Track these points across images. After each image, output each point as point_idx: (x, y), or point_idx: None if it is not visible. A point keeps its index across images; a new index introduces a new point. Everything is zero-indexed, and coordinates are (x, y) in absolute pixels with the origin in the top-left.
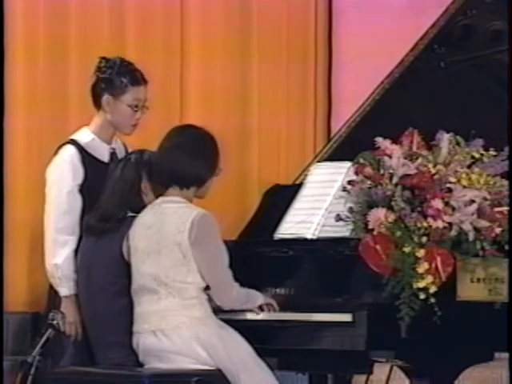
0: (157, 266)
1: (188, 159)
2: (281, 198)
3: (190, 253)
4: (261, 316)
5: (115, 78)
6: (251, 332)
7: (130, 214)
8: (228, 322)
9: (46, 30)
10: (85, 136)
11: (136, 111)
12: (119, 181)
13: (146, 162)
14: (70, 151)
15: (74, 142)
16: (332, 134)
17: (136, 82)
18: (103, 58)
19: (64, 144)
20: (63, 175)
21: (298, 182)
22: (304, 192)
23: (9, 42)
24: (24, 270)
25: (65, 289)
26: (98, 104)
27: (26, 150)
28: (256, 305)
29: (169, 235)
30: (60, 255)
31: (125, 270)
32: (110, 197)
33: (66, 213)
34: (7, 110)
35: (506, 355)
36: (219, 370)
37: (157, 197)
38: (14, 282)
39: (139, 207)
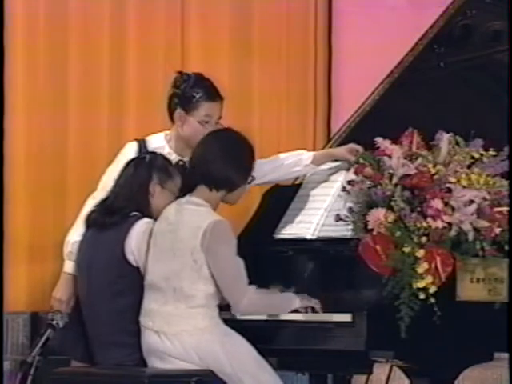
0: (168, 268)
1: (222, 160)
2: (281, 198)
3: (203, 259)
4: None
5: (189, 91)
6: (251, 332)
7: (134, 213)
8: (227, 321)
9: (46, 30)
10: (156, 140)
11: (206, 128)
12: (130, 178)
13: (159, 165)
14: (131, 148)
15: (140, 141)
16: (332, 134)
17: (210, 98)
18: (179, 72)
19: (135, 140)
20: (117, 164)
21: (297, 182)
22: (303, 192)
23: (9, 43)
24: (24, 271)
25: (68, 265)
26: (172, 118)
27: (26, 150)
28: (290, 310)
29: (183, 238)
30: (77, 234)
31: (126, 269)
32: (119, 191)
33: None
34: (7, 109)
35: (505, 355)
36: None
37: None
38: (13, 283)
39: (145, 208)
